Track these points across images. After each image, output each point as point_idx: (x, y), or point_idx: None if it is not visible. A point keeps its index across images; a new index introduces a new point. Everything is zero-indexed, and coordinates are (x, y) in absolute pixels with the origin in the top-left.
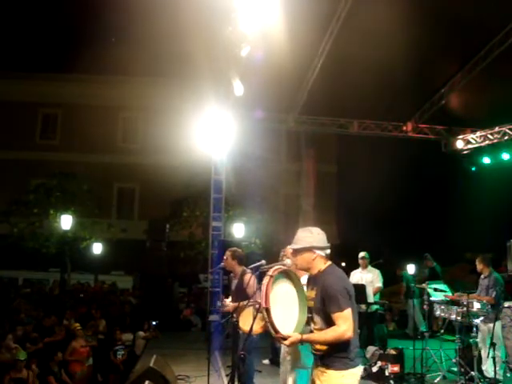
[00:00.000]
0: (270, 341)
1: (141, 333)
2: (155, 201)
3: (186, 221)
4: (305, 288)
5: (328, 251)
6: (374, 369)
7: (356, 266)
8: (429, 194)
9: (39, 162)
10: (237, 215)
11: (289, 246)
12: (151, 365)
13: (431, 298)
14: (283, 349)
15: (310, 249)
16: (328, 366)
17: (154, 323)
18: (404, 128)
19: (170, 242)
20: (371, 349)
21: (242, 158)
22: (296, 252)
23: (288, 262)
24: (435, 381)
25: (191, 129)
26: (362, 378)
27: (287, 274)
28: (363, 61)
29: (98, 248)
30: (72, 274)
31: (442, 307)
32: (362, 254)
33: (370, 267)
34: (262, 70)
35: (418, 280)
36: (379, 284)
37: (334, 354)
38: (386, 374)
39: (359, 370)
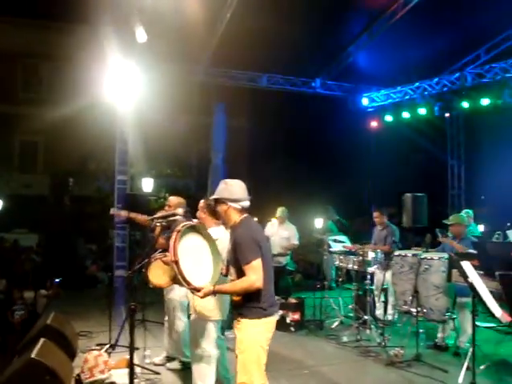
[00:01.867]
0: None
1: (42, 291)
2: (61, 155)
3: (93, 175)
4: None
5: (244, 203)
6: None
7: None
8: (336, 150)
9: None
10: (146, 170)
11: (212, 197)
12: (48, 322)
13: (330, 249)
14: (192, 301)
15: (222, 200)
16: (242, 316)
17: (56, 281)
18: (313, 84)
19: (76, 197)
20: None
21: (151, 111)
22: (215, 204)
23: (179, 210)
24: (333, 326)
25: (98, 79)
26: None
27: (195, 228)
28: (273, 14)
29: None
30: None
31: (341, 257)
32: (279, 210)
33: (287, 223)
34: (169, 19)
35: (320, 232)
36: (295, 241)
37: (247, 304)
38: (287, 321)
39: (274, 319)
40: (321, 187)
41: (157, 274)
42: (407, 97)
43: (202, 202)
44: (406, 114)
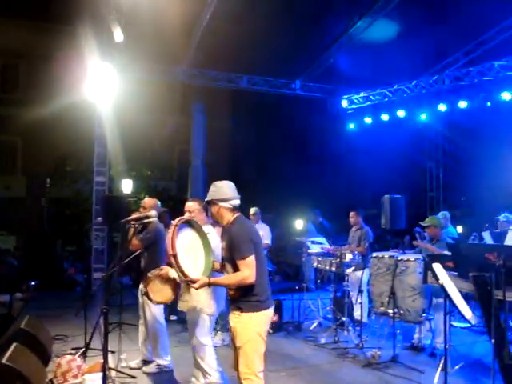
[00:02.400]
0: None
1: (18, 294)
2: (39, 156)
3: (72, 176)
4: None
5: (234, 202)
6: None
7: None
8: (318, 152)
9: None
10: (126, 171)
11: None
12: (22, 326)
13: (309, 251)
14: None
15: (213, 202)
16: (241, 309)
17: (32, 283)
18: (292, 86)
19: (54, 199)
20: None
21: (131, 112)
22: (208, 206)
23: (153, 212)
24: (311, 328)
25: (76, 80)
26: None
27: (189, 223)
28: (253, 15)
29: None
30: None
31: (319, 259)
32: (253, 210)
33: (260, 223)
34: (149, 20)
35: (299, 234)
36: (268, 241)
37: (244, 299)
38: None
39: (269, 312)
40: (303, 188)
41: (157, 290)
42: (386, 99)
43: (190, 203)
44: (385, 117)
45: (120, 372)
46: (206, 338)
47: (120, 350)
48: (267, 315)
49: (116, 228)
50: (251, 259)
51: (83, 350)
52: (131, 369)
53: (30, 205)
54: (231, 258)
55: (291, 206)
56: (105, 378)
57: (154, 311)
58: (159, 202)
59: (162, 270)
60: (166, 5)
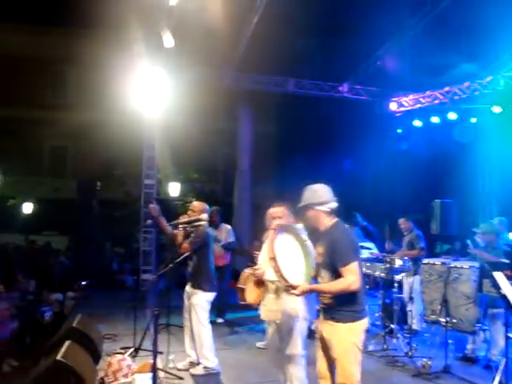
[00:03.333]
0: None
1: (70, 293)
2: (89, 159)
3: (120, 179)
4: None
5: (331, 205)
6: None
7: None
8: (363, 156)
9: None
10: (173, 174)
11: (299, 205)
12: (74, 325)
13: None
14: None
15: (310, 206)
16: (335, 319)
17: (83, 283)
18: (340, 88)
19: (104, 201)
20: None
21: (177, 115)
22: (303, 211)
23: (204, 216)
24: None
25: (124, 85)
26: None
27: (287, 229)
28: (301, 19)
29: (28, 207)
30: (0, 235)
31: (368, 264)
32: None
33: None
34: (196, 24)
35: None
36: None
37: (339, 308)
38: (312, 328)
39: (366, 321)
40: (349, 193)
41: (250, 291)
42: (436, 101)
43: (277, 208)
44: (435, 119)
45: (168, 373)
46: (301, 348)
47: (168, 351)
48: (363, 325)
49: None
50: (355, 265)
51: (134, 350)
52: (179, 370)
53: (81, 207)
54: (331, 264)
55: (339, 210)
56: (155, 379)
57: (200, 314)
58: (208, 206)
59: (255, 270)
60: (214, 9)
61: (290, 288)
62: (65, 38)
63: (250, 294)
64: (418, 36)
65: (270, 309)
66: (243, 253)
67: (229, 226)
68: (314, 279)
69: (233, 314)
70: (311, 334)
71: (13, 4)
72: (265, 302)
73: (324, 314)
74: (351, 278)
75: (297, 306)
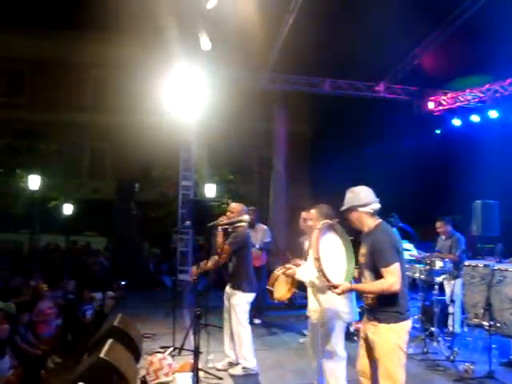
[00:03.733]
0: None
1: (110, 292)
2: (128, 160)
3: (157, 180)
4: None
5: (374, 206)
6: None
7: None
8: (401, 156)
9: (6, 121)
10: (209, 175)
11: (341, 209)
12: (115, 324)
13: None
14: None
15: (353, 208)
16: (378, 320)
17: (122, 283)
18: (376, 88)
19: (141, 202)
20: None
21: (213, 117)
22: (345, 213)
23: (246, 217)
24: None
25: (162, 87)
26: None
27: (333, 228)
28: (335, 17)
29: (68, 208)
30: (42, 236)
31: (407, 266)
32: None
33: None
34: (232, 26)
35: None
36: None
37: (383, 309)
38: (351, 330)
39: (409, 322)
40: (385, 194)
41: (279, 289)
42: (476, 99)
43: (311, 210)
44: (475, 118)
45: (208, 373)
46: (342, 348)
47: (208, 351)
48: (407, 326)
49: (201, 231)
50: (396, 266)
51: (174, 349)
52: (218, 370)
53: (119, 208)
54: (372, 265)
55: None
56: (196, 378)
57: (240, 314)
58: (245, 207)
59: (286, 269)
60: (249, 11)
61: (331, 287)
62: (104, 43)
63: (279, 290)
64: (455, 34)
65: (310, 308)
66: (278, 254)
67: (265, 226)
68: (358, 279)
69: (271, 313)
70: (348, 335)
71: (55, 10)
72: (308, 302)
73: (368, 314)
74: (391, 279)
75: (337, 305)
